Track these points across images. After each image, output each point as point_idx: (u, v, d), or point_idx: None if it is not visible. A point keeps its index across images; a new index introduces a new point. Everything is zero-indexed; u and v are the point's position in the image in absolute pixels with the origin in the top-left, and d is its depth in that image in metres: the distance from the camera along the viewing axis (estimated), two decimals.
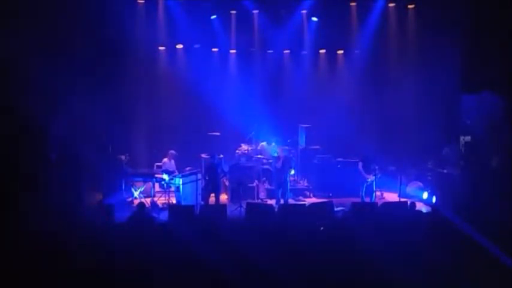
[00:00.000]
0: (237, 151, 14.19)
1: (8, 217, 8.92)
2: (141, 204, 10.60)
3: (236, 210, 11.40)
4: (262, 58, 15.73)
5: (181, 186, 12.14)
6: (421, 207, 11.52)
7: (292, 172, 13.03)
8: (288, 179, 12.52)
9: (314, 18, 15.54)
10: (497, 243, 8.36)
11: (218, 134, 14.39)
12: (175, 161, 13.08)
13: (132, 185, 12.59)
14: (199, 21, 14.83)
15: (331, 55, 16.14)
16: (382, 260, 8.17)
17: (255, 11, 15.26)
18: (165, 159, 12.96)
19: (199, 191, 12.20)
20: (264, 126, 14.68)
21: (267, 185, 13.46)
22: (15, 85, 9.90)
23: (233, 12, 15.31)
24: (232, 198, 12.83)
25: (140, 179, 12.62)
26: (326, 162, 13.96)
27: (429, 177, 13.12)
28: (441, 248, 8.52)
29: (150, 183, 12.55)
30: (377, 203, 11.53)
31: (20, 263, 7.69)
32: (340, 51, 16.06)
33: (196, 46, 15.29)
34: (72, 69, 11.38)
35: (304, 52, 15.97)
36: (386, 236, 8.96)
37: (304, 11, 15.49)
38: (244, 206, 11.20)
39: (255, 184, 13.21)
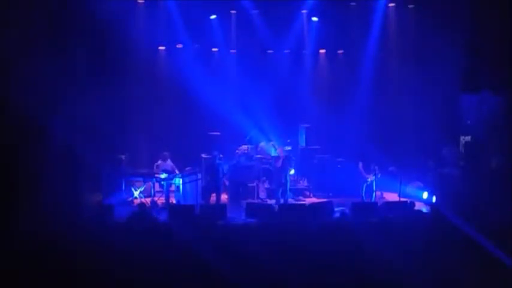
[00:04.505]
0: (237, 151, 14.19)
1: (8, 217, 8.92)
2: (141, 204, 10.62)
3: (236, 210, 11.39)
4: (262, 58, 15.73)
5: (181, 186, 12.15)
6: (421, 206, 11.53)
7: (292, 172, 13.03)
8: (288, 178, 12.52)
9: (314, 18, 15.54)
10: (497, 243, 8.36)
11: (218, 133, 14.39)
12: (171, 160, 13.10)
13: (132, 185, 12.59)
14: (199, 21, 14.83)
15: (331, 55, 16.15)
16: (382, 259, 8.17)
17: (255, 11, 15.25)
18: (159, 161, 13.01)
19: (200, 191, 12.20)
20: (264, 126, 14.68)
21: (267, 185, 13.45)
22: (15, 85, 9.88)
23: (233, 12, 15.32)
24: (232, 198, 12.83)
25: (140, 179, 12.61)
26: (326, 162, 13.96)
27: (429, 177, 13.11)
28: (441, 247, 8.53)
29: (150, 183, 12.55)
30: (377, 203, 11.55)
31: (20, 262, 7.69)
32: (340, 51, 16.07)
33: (196, 46, 15.29)
34: (72, 69, 11.37)
35: (304, 52, 15.97)
36: (387, 236, 8.97)
37: (304, 11, 15.49)
38: (244, 205, 11.21)
39: (255, 184, 13.20)
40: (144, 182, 12.61)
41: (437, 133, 13.45)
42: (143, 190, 12.60)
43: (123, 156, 13.04)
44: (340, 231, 9.36)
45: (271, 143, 14.33)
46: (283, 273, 7.93)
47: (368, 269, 8.16)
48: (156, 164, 13.30)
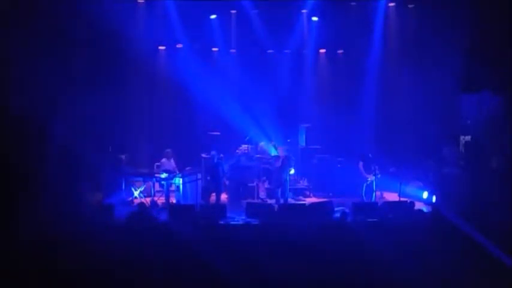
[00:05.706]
0: (237, 151, 14.20)
1: (8, 217, 8.92)
2: (141, 204, 10.63)
3: (236, 210, 11.39)
4: (262, 58, 15.73)
5: (181, 186, 12.15)
6: (421, 206, 11.53)
7: (292, 171, 13.04)
8: (287, 178, 12.51)
9: (314, 18, 15.54)
10: (497, 243, 8.37)
11: (218, 133, 14.40)
12: (174, 159, 13.10)
13: (132, 185, 12.59)
14: (199, 21, 14.84)
15: (331, 55, 16.16)
16: (382, 259, 8.18)
17: (255, 11, 15.25)
18: (163, 159, 13.00)
19: (200, 191, 12.20)
20: (264, 125, 14.69)
21: (267, 185, 13.45)
22: (15, 85, 9.89)
23: (233, 12, 15.32)
24: (232, 198, 12.83)
25: (140, 178, 12.61)
26: (326, 162, 13.96)
27: (429, 177, 13.11)
28: (441, 247, 8.54)
29: (150, 183, 12.55)
30: (377, 203, 11.55)
31: (21, 263, 7.70)
32: (340, 51, 16.08)
33: (196, 46, 15.30)
34: (72, 68, 11.38)
35: (304, 52, 15.98)
36: (387, 236, 8.98)
37: (304, 11, 15.49)
38: (244, 205, 11.21)
39: (255, 184, 13.20)
40: (144, 181, 12.60)
41: (438, 133, 13.46)
42: (143, 190, 12.60)
43: (123, 156, 13.04)
44: (340, 231, 9.37)
45: (272, 143, 14.34)
46: (284, 273, 7.93)
47: (368, 268, 8.17)
48: (156, 163, 13.31)
